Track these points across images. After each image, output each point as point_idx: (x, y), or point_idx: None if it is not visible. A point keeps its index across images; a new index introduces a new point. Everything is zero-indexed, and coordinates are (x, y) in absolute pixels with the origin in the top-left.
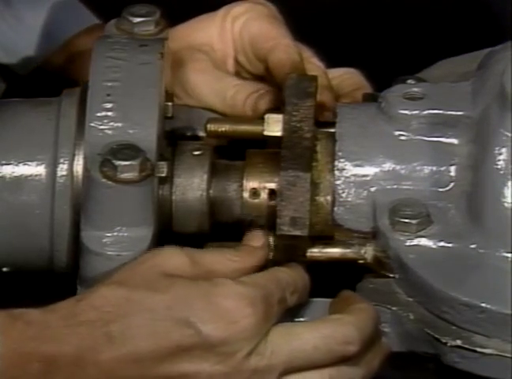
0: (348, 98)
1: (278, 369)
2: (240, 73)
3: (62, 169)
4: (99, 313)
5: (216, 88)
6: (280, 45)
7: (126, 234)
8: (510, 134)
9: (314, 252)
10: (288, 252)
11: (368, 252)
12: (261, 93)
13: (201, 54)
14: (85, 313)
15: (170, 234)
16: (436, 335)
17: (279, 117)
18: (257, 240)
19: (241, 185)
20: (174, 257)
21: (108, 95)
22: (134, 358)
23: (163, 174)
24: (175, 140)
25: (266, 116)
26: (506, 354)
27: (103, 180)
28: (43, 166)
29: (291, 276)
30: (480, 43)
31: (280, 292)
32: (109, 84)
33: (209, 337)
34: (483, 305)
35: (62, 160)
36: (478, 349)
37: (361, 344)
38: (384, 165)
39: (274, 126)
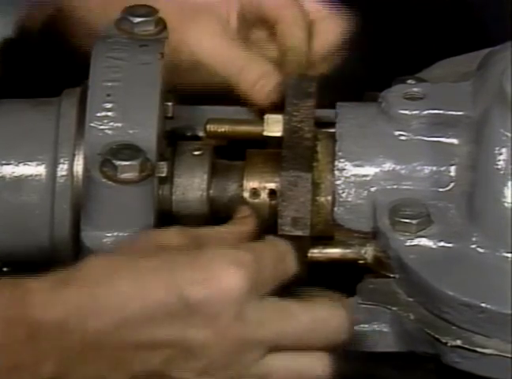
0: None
1: (265, 344)
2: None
3: (62, 169)
4: (86, 280)
5: (224, 57)
6: (287, 17)
7: (126, 234)
8: (510, 134)
9: (315, 252)
10: None
11: (368, 252)
12: (274, 84)
13: (205, 15)
14: (73, 280)
15: None
16: (436, 335)
17: (279, 117)
18: (244, 212)
19: (241, 185)
20: (169, 233)
21: (108, 95)
22: (120, 322)
23: (163, 174)
24: (175, 140)
25: (266, 116)
26: (506, 354)
27: (103, 180)
28: (43, 166)
29: (288, 247)
30: (480, 43)
31: (275, 261)
32: (109, 84)
33: (193, 298)
34: (483, 305)
35: (62, 160)
36: (478, 349)
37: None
38: (384, 165)
39: (274, 127)
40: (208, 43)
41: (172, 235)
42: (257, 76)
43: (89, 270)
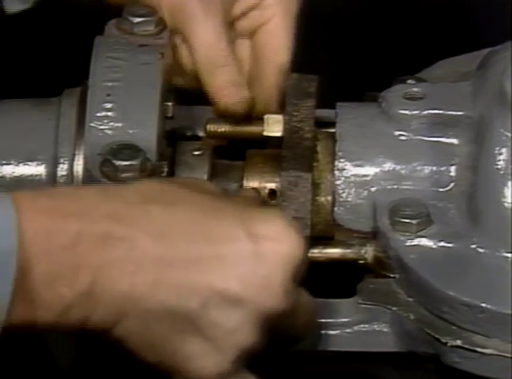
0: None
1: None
2: None
3: (62, 169)
4: (140, 195)
5: (210, 46)
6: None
7: None
8: (510, 134)
9: (315, 252)
10: None
11: (368, 252)
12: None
13: None
14: (125, 192)
15: None
16: (436, 335)
17: (279, 117)
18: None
19: (241, 185)
20: (207, 183)
21: (108, 95)
22: (171, 250)
23: (164, 174)
24: (175, 140)
25: (266, 116)
26: (506, 354)
27: (103, 180)
28: (43, 166)
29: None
30: (480, 43)
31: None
32: (109, 84)
33: (256, 252)
34: (483, 305)
35: (62, 160)
36: (478, 349)
37: None
38: (384, 165)
39: (274, 127)
40: (203, 24)
41: (208, 183)
42: (228, 83)
43: (145, 189)
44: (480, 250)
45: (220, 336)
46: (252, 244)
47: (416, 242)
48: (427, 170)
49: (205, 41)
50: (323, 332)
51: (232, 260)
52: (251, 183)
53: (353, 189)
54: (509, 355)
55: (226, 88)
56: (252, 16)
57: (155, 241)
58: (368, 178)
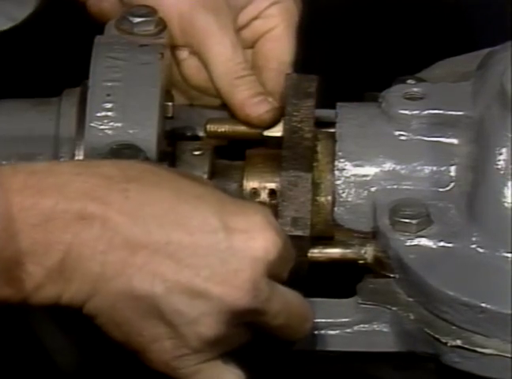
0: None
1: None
2: None
3: None
4: (121, 172)
5: (228, 59)
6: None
7: None
8: (510, 134)
9: (315, 252)
10: None
11: (368, 252)
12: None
13: (222, 5)
14: (106, 167)
15: None
16: (436, 335)
17: None
18: None
19: (241, 185)
20: (203, 178)
21: (108, 95)
22: (144, 231)
23: None
24: (174, 140)
25: None
26: (506, 354)
27: None
28: None
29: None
30: (479, 44)
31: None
32: (109, 84)
33: (228, 244)
34: (483, 305)
35: (62, 160)
36: (478, 349)
37: None
38: (384, 165)
39: (274, 127)
40: (220, 38)
41: (206, 179)
42: (251, 95)
43: (126, 166)
44: (480, 250)
45: (182, 324)
46: (225, 236)
47: (415, 241)
48: (427, 170)
49: (224, 56)
50: (324, 332)
51: (203, 251)
52: (251, 183)
53: (353, 189)
54: (509, 355)
55: (249, 100)
56: (254, 26)
57: (128, 221)
58: (368, 178)
